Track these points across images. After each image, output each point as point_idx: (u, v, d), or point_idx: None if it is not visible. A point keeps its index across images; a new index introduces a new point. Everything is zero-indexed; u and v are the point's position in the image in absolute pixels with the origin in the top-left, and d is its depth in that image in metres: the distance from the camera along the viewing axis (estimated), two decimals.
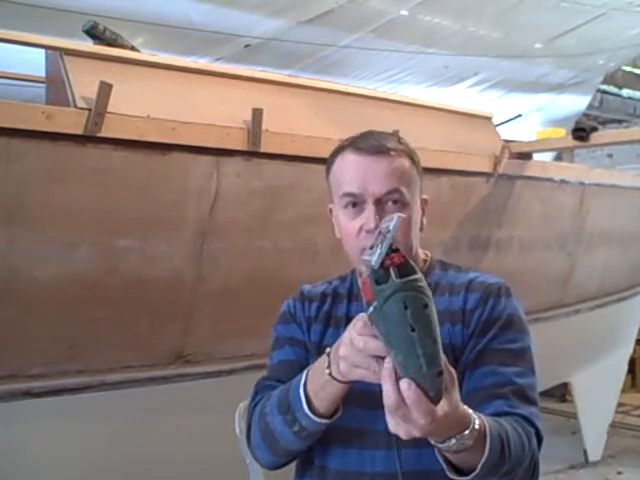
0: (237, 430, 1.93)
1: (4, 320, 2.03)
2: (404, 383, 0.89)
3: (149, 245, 2.20)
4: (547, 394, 5.79)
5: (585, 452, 4.89)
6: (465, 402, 1.04)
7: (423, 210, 1.33)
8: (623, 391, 5.47)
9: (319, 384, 1.13)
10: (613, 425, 5.27)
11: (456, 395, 0.97)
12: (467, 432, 0.99)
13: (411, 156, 1.30)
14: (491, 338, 1.23)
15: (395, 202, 1.24)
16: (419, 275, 0.91)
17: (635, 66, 7.52)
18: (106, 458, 2.40)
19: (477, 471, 1.02)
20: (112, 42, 2.37)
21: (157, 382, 2.38)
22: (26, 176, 1.94)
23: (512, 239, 3.42)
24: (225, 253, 2.35)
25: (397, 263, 0.90)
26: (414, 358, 0.88)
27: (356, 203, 1.25)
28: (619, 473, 4.81)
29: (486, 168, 3.19)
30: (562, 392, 6.09)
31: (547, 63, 5.41)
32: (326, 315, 1.36)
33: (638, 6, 4.59)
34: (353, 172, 1.26)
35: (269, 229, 2.42)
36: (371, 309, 0.91)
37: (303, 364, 1.29)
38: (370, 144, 1.27)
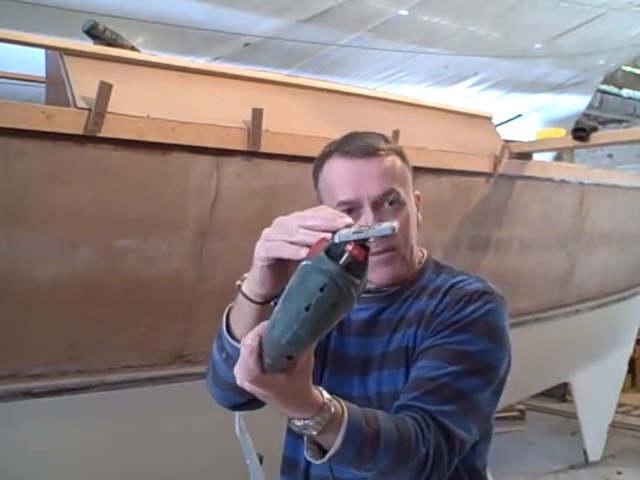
0: (237, 430, 1.93)
1: (4, 320, 2.03)
2: (250, 336, 0.90)
3: (149, 245, 2.20)
4: (547, 394, 5.79)
5: (585, 452, 4.89)
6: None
7: (417, 206, 1.30)
8: (623, 391, 5.48)
9: (236, 306, 1.13)
10: (613, 425, 5.27)
11: (302, 381, 0.95)
12: (317, 417, 0.96)
13: (400, 154, 1.28)
14: (442, 337, 1.15)
15: (392, 203, 1.21)
16: (359, 283, 0.88)
17: (635, 66, 7.52)
18: (106, 458, 2.40)
19: (324, 459, 1.00)
20: (112, 42, 2.37)
21: (157, 382, 2.38)
22: (26, 176, 1.94)
23: (512, 239, 3.42)
24: (225, 253, 2.35)
25: (355, 256, 0.87)
26: (285, 326, 0.87)
27: (352, 209, 1.21)
28: (619, 473, 4.81)
29: (486, 168, 3.19)
30: (562, 392, 6.10)
31: (547, 63, 5.41)
32: None
33: (638, 6, 4.59)
34: (345, 178, 1.22)
35: None
36: (303, 263, 0.89)
37: None
38: (357, 146, 1.24)
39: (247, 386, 0.93)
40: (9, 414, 2.14)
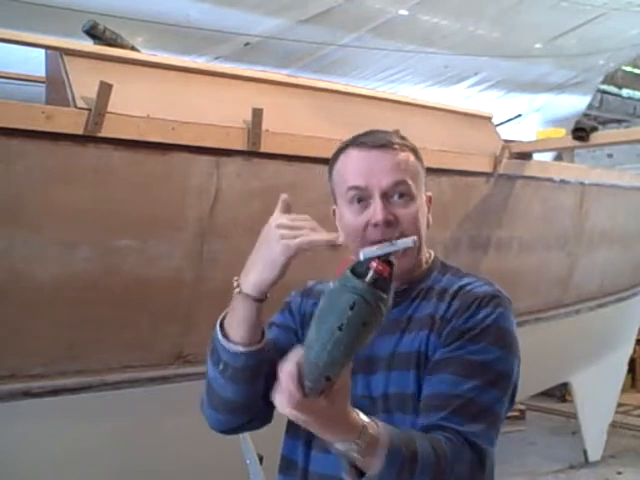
0: None
1: (4, 320, 2.03)
2: (289, 362, 0.93)
3: (149, 245, 2.20)
4: (547, 394, 5.80)
5: (585, 452, 4.90)
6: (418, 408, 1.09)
7: (428, 207, 1.30)
8: (623, 391, 5.48)
9: (231, 309, 1.15)
10: (613, 425, 5.27)
11: (341, 403, 0.97)
12: (358, 440, 0.98)
13: (414, 150, 1.29)
14: (457, 347, 1.15)
15: (402, 195, 1.21)
16: (387, 297, 0.90)
17: (635, 66, 7.52)
18: (106, 458, 2.40)
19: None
20: (112, 42, 2.37)
21: (157, 382, 2.38)
22: (26, 176, 1.94)
23: (512, 239, 3.42)
24: (225, 253, 2.35)
25: (380, 272, 0.90)
26: (320, 347, 0.90)
27: (362, 198, 1.22)
28: (619, 473, 4.81)
29: (486, 168, 3.19)
30: (562, 392, 6.10)
31: (547, 63, 5.40)
32: None
33: (638, 6, 4.58)
34: (358, 166, 1.23)
35: None
36: (331, 284, 0.91)
37: (281, 345, 1.25)
38: (373, 138, 1.25)
39: (289, 412, 0.95)
40: (9, 414, 2.14)
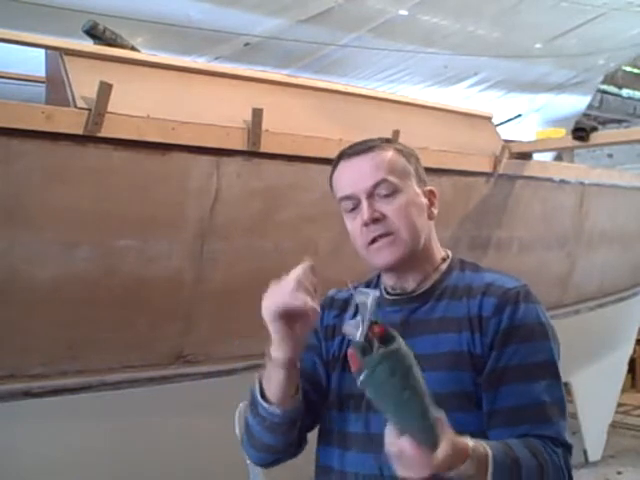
0: (237, 430, 1.93)
1: (4, 320, 2.03)
2: (404, 441, 1.00)
3: (149, 245, 2.20)
4: None
5: (585, 452, 4.89)
6: (488, 421, 1.17)
7: (430, 201, 1.35)
8: (623, 391, 5.47)
9: (267, 371, 1.21)
10: (613, 425, 5.27)
11: (450, 434, 1.03)
12: (466, 464, 1.04)
13: (398, 148, 1.33)
14: (512, 353, 1.21)
15: (385, 192, 1.27)
16: (400, 341, 1.00)
17: (635, 66, 7.52)
18: (106, 458, 2.40)
19: None
20: (112, 42, 2.37)
21: (157, 382, 2.38)
22: (26, 176, 1.94)
23: (512, 239, 3.42)
24: (225, 253, 2.35)
25: (379, 334, 0.98)
26: (408, 418, 0.99)
27: (354, 206, 1.29)
28: (619, 473, 4.81)
29: (486, 168, 3.19)
30: None
31: (547, 63, 5.40)
32: None
33: (638, 6, 4.58)
34: (344, 176, 1.31)
35: (269, 229, 2.42)
36: (362, 377, 0.99)
37: (308, 370, 1.33)
38: (356, 148, 1.32)
39: (431, 474, 1.01)
40: (9, 414, 2.14)
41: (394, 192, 1.27)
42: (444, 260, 1.36)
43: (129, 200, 2.13)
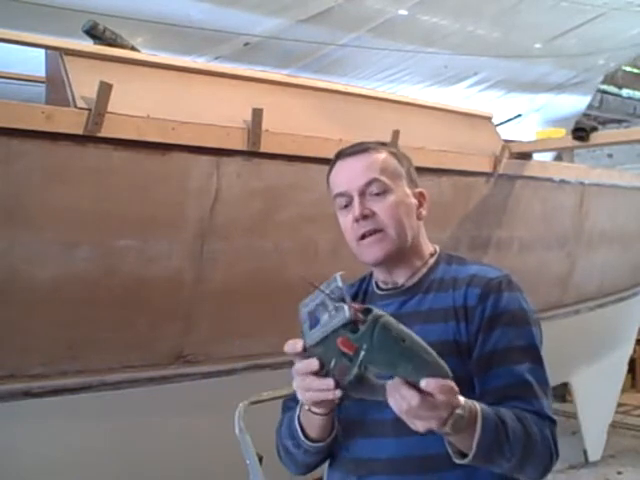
0: (237, 430, 1.93)
1: (4, 320, 2.03)
2: (425, 382, 1.03)
3: (149, 245, 2.20)
4: None
5: (585, 452, 4.89)
6: (479, 402, 1.18)
7: (420, 202, 1.42)
8: (623, 391, 5.47)
9: (304, 416, 1.31)
10: (613, 425, 5.27)
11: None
12: (459, 410, 1.09)
13: (393, 152, 1.42)
14: (498, 337, 1.29)
15: (377, 191, 1.36)
16: (376, 309, 1.05)
17: (635, 66, 7.52)
18: (106, 458, 2.40)
19: (474, 449, 1.13)
20: (112, 42, 2.37)
21: (157, 382, 2.38)
22: (26, 176, 1.94)
23: (512, 239, 3.42)
24: (225, 253, 2.35)
25: (360, 309, 1.03)
26: (419, 360, 1.02)
27: (347, 203, 1.37)
28: (619, 473, 4.81)
29: (486, 168, 3.19)
30: (562, 392, 6.09)
31: (547, 63, 5.40)
32: None
33: (638, 6, 4.58)
34: (339, 175, 1.40)
35: (269, 229, 2.42)
36: (363, 353, 1.02)
37: None
38: (352, 149, 1.41)
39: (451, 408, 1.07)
40: (9, 414, 2.14)
41: (384, 191, 1.36)
42: (432, 255, 1.43)
43: (129, 200, 2.13)
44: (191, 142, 2.19)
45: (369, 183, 1.35)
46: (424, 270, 1.39)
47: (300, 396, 1.17)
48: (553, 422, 1.28)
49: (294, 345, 1.13)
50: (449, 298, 1.34)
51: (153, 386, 2.38)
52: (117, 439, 2.40)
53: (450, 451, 1.16)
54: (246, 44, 4.09)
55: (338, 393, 1.10)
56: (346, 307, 1.03)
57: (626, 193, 4.17)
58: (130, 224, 2.15)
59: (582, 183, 3.74)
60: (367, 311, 1.03)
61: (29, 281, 2.03)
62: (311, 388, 1.13)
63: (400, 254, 1.36)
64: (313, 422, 1.29)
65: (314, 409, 1.25)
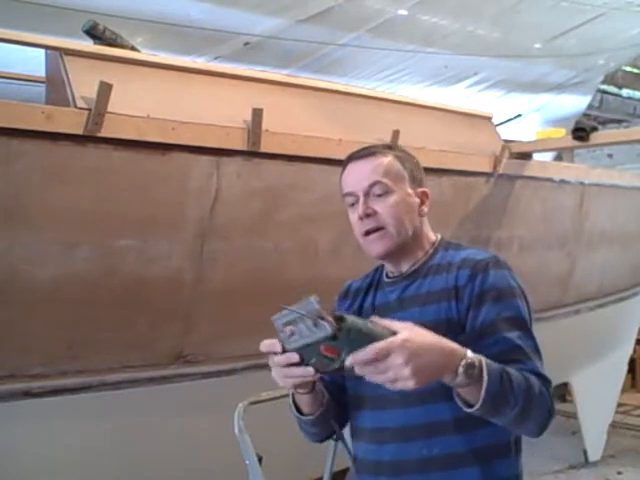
0: (237, 430, 1.93)
1: (4, 320, 2.03)
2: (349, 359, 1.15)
3: (149, 245, 2.20)
4: None
5: (585, 452, 4.89)
6: None
7: (422, 200, 1.54)
8: (623, 391, 5.47)
9: (296, 396, 1.50)
10: (613, 425, 5.27)
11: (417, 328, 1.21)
12: (464, 361, 1.20)
13: (397, 154, 1.54)
14: (486, 311, 1.40)
15: (379, 192, 1.49)
16: (345, 314, 1.16)
17: (635, 66, 7.52)
18: (106, 458, 2.40)
19: (482, 396, 1.22)
20: (112, 42, 2.37)
21: (157, 382, 2.38)
22: (26, 176, 1.94)
23: (512, 239, 3.42)
24: (225, 253, 2.35)
25: (334, 318, 1.14)
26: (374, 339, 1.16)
27: (354, 202, 1.51)
28: (619, 473, 4.81)
29: (486, 168, 3.19)
30: (562, 392, 6.09)
31: (547, 63, 5.40)
32: (358, 311, 1.59)
33: (638, 6, 4.58)
34: (349, 176, 1.54)
35: (269, 229, 2.42)
36: (344, 354, 1.15)
37: (327, 379, 1.57)
38: (361, 152, 1.54)
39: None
40: (9, 414, 2.14)
41: (386, 192, 1.49)
42: (433, 244, 1.56)
43: (129, 200, 2.13)
44: (191, 142, 2.19)
45: (372, 185, 1.49)
46: (424, 258, 1.53)
47: (281, 382, 1.30)
48: (548, 381, 1.38)
49: (273, 345, 1.25)
50: (443, 280, 1.47)
51: (153, 386, 2.38)
52: (117, 439, 2.40)
53: (459, 402, 1.26)
54: (246, 44, 4.10)
55: (317, 376, 1.25)
56: (327, 324, 1.13)
57: (626, 193, 4.17)
58: (130, 224, 2.15)
59: (582, 183, 3.75)
60: (339, 318, 1.15)
61: (29, 281, 2.03)
62: (293, 375, 1.25)
63: (402, 248, 1.50)
64: (301, 400, 1.48)
65: (299, 390, 1.43)
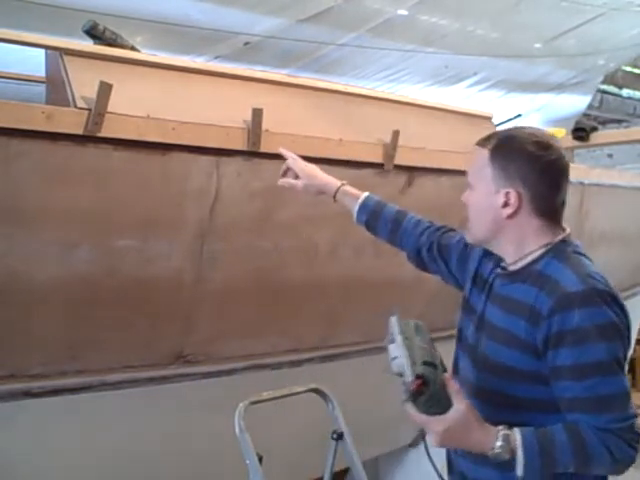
0: (237, 430, 1.93)
1: (4, 320, 2.03)
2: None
3: (149, 245, 2.20)
4: None
5: None
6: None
7: (505, 202, 1.45)
8: None
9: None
10: None
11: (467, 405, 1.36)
12: (491, 452, 1.31)
13: (492, 148, 1.47)
14: (565, 355, 1.35)
15: (468, 185, 1.52)
16: (430, 384, 1.35)
17: (635, 66, 7.52)
18: (106, 458, 2.40)
19: (520, 474, 1.31)
20: (112, 42, 2.37)
21: (157, 382, 2.38)
22: (26, 176, 1.94)
23: None
24: (225, 253, 2.35)
25: (417, 386, 1.33)
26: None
27: None
28: None
29: None
30: None
31: (547, 63, 5.40)
32: (474, 272, 1.63)
33: (638, 6, 4.58)
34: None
35: (269, 229, 2.42)
36: (410, 405, 1.35)
37: (444, 245, 1.88)
38: (479, 140, 1.53)
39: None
40: (9, 414, 2.14)
41: (469, 187, 1.52)
42: (546, 246, 1.47)
43: (129, 200, 2.13)
44: (191, 142, 2.19)
45: (466, 176, 1.54)
46: (529, 259, 1.46)
47: None
48: (617, 431, 1.33)
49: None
50: (532, 294, 1.41)
51: (153, 386, 2.38)
52: (117, 439, 2.40)
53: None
54: (246, 44, 4.09)
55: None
56: (409, 390, 1.32)
57: (626, 193, 4.17)
58: (130, 224, 2.15)
59: (582, 183, 3.74)
60: (423, 383, 1.33)
61: (29, 281, 2.03)
62: None
63: (486, 244, 1.54)
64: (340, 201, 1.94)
65: None
